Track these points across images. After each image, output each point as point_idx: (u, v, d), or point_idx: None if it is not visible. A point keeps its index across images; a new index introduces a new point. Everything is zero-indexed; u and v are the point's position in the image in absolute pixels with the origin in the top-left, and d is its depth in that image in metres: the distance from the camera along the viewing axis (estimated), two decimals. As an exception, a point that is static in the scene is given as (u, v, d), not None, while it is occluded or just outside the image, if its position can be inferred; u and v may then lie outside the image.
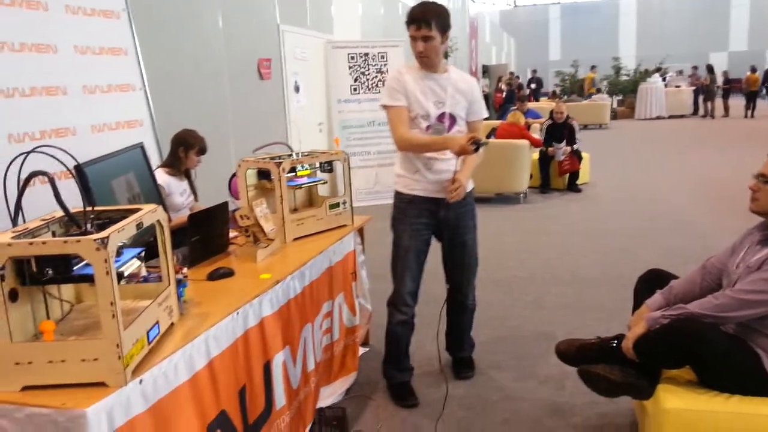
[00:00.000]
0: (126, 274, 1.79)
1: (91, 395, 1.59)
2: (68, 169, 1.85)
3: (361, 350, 3.59)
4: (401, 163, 3.20)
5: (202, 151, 4.02)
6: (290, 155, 3.22)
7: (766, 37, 32.57)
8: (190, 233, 2.70)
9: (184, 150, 3.95)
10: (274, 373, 2.46)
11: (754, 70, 20.51)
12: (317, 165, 3.41)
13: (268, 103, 6.62)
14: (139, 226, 1.84)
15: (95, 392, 1.61)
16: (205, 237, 2.80)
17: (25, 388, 1.63)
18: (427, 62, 3.00)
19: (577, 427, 2.87)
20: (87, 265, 1.77)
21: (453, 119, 3.07)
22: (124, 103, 4.19)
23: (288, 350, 2.59)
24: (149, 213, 1.93)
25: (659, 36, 33.87)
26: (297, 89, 7.26)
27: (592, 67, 22.36)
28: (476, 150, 2.83)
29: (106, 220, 1.96)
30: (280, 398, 2.50)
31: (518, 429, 2.87)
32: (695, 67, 23.42)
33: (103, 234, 1.60)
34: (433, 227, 3.17)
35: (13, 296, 1.68)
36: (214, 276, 2.56)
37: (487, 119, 3.53)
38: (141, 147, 2.64)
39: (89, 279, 1.65)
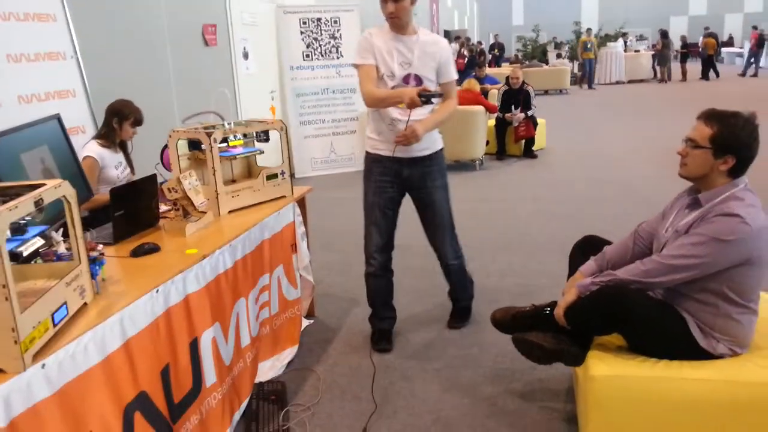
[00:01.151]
0: (26, 253, 1.70)
1: (-16, 383, 1.51)
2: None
3: (306, 322, 3.55)
4: (370, 125, 3.29)
5: (138, 122, 3.86)
6: (222, 125, 3.11)
7: (726, 1, 32.93)
8: (114, 208, 2.59)
9: (119, 121, 3.79)
10: (202, 351, 2.40)
11: (710, 34, 20.75)
12: (254, 134, 3.31)
13: (215, 71, 6.42)
14: (38, 203, 1.74)
15: (-11, 380, 1.53)
16: (131, 211, 2.69)
17: None
18: (398, 23, 3.07)
19: (515, 392, 2.88)
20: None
21: (419, 80, 3.10)
22: (54, 72, 4.00)
23: (218, 326, 2.53)
24: (51, 189, 1.83)
25: (621, 0, 33.96)
26: (246, 56, 7.06)
27: (588, 30, 20.77)
28: (426, 102, 2.92)
29: (7, 197, 1.86)
30: (210, 375, 2.44)
31: (458, 396, 2.88)
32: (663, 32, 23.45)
33: (-10, 213, 1.50)
34: (398, 186, 3.27)
35: None
36: (138, 252, 2.47)
37: None
38: (57, 118, 2.51)
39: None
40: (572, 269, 2.64)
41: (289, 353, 3.20)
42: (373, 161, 3.29)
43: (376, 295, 3.42)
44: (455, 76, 3.25)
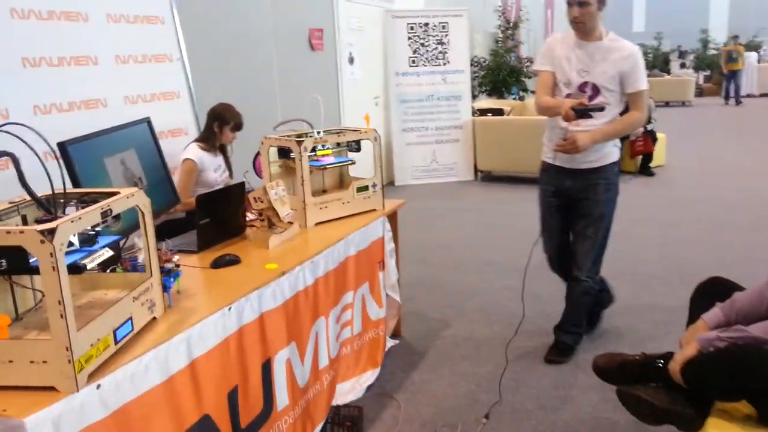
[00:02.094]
0: (89, 266, 1.61)
1: (38, 401, 1.43)
2: (34, 151, 1.67)
3: (390, 343, 3.36)
4: (545, 132, 3.22)
5: (238, 126, 3.85)
6: (313, 133, 2.99)
7: None
8: (199, 215, 2.53)
9: (219, 125, 3.79)
10: (275, 372, 2.27)
11: None
12: (345, 144, 3.18)
13: (320, 76, 6.40)
14: (105, 213, 1.66)
15: (43, 398, 1.45)
16: (217, 219, 2.62)
17: (-28, 389, 1.49)
18: (582, 28, 2.96)
19: (618, 447, 2.55)
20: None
21: (596, 90, 2.98)
22: (160, 74, 4.06)
23: (294, 347, 2.39)
24: (123, 198, 1.75)
25: (755, 5, 31.39)
26: (351, 61, 7.00)
27: (734, 38, 18.09)
28: (581, 116, 2.83)
29: (84, 204, 1.81)
30: (282, 398, 2.31)
31: (551, 444, 2.58)
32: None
33: (50, 225, 1.42)
34: (560, 196, 3.17)
35: (-31, 286, 1.54)
36: (218, 264, 2.38)
37: None
38: (147, 122, 2.47)
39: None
40: (693, 315, 2.27)
41: (370, 376, 3.02)
42: (542, 168, 3.24)
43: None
44: (643, 87, 3.01)
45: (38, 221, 1.74)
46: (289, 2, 5.76)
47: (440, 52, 7.88)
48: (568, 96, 2.99)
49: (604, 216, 3.11)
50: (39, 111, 3.19)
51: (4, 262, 1.52)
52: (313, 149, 2.94)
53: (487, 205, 6.67)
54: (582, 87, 2.99)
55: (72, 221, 1.50)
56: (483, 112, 8.51)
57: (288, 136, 3.01)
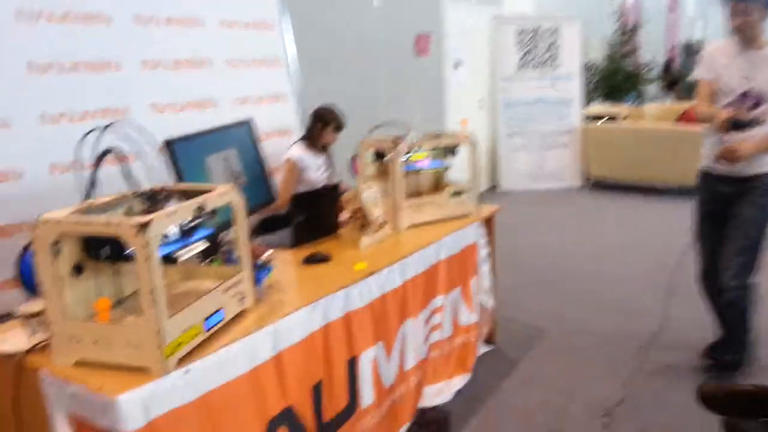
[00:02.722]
0: (182, 258, 1.70)
1: (131, 381, 1.53)
2: (138, 149, 1.79)
3: (484, 349, 3.30)
4: (705, 140, 3.12)
5: (339, 127, 3.92)
6: (409, 137, 2.99)
7: None
8: (294, 214, 2.60)
9: (321, 126, 3.88)
10: (360, 370, 2.29)
11: None
12: (442, 148, 3.15)
13: (425, 80, 6.41)
14: (199, 209, 1.74)
15: (136, 378, 1.55)
16: (312, 218, 2.69)
17: (78, 363, 1.61)
18: (743, 36, 2.89)
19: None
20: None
21: (758, 98, 2.87)
22: (268, 77, 4.23)
23: (381, 346, 2.40)
24: (216, 196, 1.83)
25: None
26: (457, 65, 6.97)
27: None
28: (733, 129, 2.79)
29: (184, 198, 1.91)
30: (367, 396, 2.33)
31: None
32: None
33: (145, 218, 1.51)
34: (717, 203, 3.06)
35: (78, 270, 1.67)
36: (309, 260, 2.44)
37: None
38: (248, 123, 2.57)
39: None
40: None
41: (459, 381, 2.98)
42: (700, 176, 3.15)
43: (719, 321, 3.11)
44: None
45: (141, 213, 1.87)
46: (397, 8, 5.82)
47: (550, 58, 7.66)
48: (728, 105, 2.90)
49: (756, 219, 2.93)
50: (155, 110, 3.42)
51: (107, 250, 1.64)
52: (408, 153, 2.94)
53: (593, 214, 6.41)
54: (744, 95, 2.89)
55: (167, 215, 1.59)
56: (595, 117, 8.19)
57: (385, 139, 3.03)
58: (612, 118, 8.18)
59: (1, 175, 2.61)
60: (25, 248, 1.70)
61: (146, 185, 1.87)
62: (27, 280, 1.69)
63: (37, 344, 1.67)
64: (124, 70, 3.19)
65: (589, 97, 10.04)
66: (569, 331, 3.56)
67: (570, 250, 5.12)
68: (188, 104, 3.57)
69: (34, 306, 1.72)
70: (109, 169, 1.76)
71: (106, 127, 1.78)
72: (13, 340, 1.72)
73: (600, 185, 7.68)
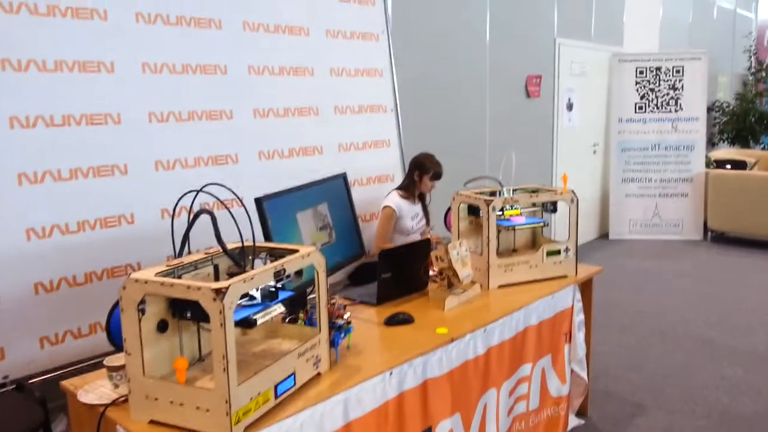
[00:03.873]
0: (260, 322, 1.73)
1: (200, 447, 1.56)
2: (230, 210, 1.85)
3: (574, 422, 3.10)
4: None
5: (437, 176, 3.90)
6: (503, 191, 2.91)
7: None
8: (381, 269, 2.59)
9: (419, 174, 3.88)
10: (435, 442, 2.22)
11: None
12: (541, 204, 3.04)
13: (534, 124, 6.27)
14: (279, 273, 1.76)
15: (204, 443, 1.57)
16: (399, 274, 2.66)
17: (153, 422, 1.66)
18: None
19: None
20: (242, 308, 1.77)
21: None
22: (374, 123, 4.29)
23: (458, 418, 2.31)
24: (298, 258, 1.85)
25: None
26: (570, 107, 6.76)
27: None
28: None
29: (273, 258, 1.95)
30: (441, 470, 2.24)
31: None
32: None
33: (222, 284, 1.54)
34: None
35: (163, 326, 1.74)
36: (391, 321, 2.41)
37: None
38: (343, 176, 2.60)
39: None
40: None
41: (545, 456, 2.82)
42: None
43: None
44: None
45: (229, 274, 1.93)
46: (508, 48, 5.75)
47: (672, 98, 7.26)
48: None
49: None
50: (263, 156, 3.55)
51: (188, 314, 1.70)
52: (504, 208, 2.86)
53: (714, 272, 5.90)
54: None
55: (244, 281, 1.62)
56: (721, 163, 7.63)
57: (480, 192, 2.97)
58: (740, 165, 7.59)
59: (115, 218, 2.79)
60: (116, 304, 1.79)
61: (236, 242, 1.93)
62: (115, 334, 1.78)
63: (118, 398, 1.75)
64: (235, 118, 3.35)
65: (715, 141, 9.41)
66: (670, 411, 3.27)
67: (682, 312, 4.75)
68: (294, 150, 3.68)
69: (119, 359, 1.81)
70: (204, 219, 1.82)
71: (200, 189, 1.85)
72: (98, 391, 1.81)
73: (722, 239, 7.11)
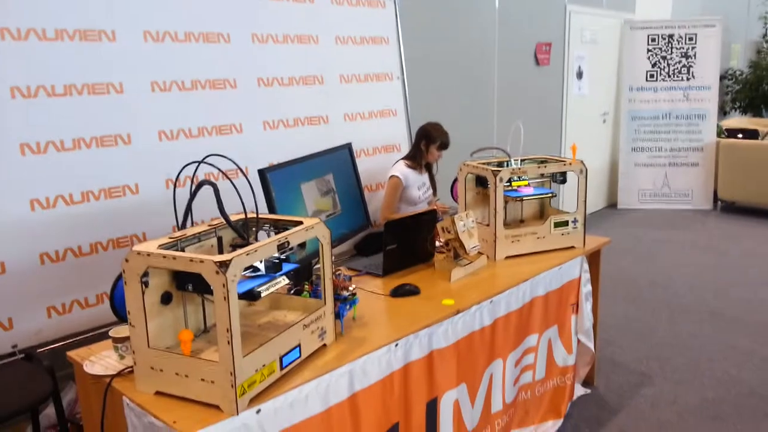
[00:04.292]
0: (264, 294, 1.71)
1: (203, 418, 1.56)
2: (231, 182, 1.82)
3: (580, 391, 3.11)
4: None
5: (444, 145, 3.85)
6: (508, 162, 2.87)
7: None
8: (387, 241, 2.57)
9: (426, 143, 3.83)
10: (441, 412, 2.22)
11: None
12: (550, 175, 3.00)
13: (543, 92, 6.17)
14: (282, 246, 1.74)
15: (210, 415, 1.57)
16: (404, 245, 2.64)
17: (158, 393, 1.67)
18: None
19: None
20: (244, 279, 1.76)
21: None
22: (380, 92, 4.23)
23: (464, 388, 2.32)
24: (302, 231, 1.83)
25: None
26: (579, 75, 6.65)
27: None
28: None
29: (278, 230, 1.93)
30: (447, 439, 2.25)
31: None
32: None
33: (225, 257, 1.52)
34: None
35: (167, 298, 1.73)
36: (397, 292, 2.40)
37: None
38: (348, 147, 2.57)
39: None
40: None
41: (551, 426, 2.83)
42: None
43: None
44: None
45: (233, 246, 1.91)
46: (517, 15, 5.64)
47: (684, 66, 7.12)
48: None
49: None
50: (268, 126, 3.51)
51: (190, 286, 1.69)
52: (510, 180, 2.82)
53: (723, 242, 5.86)
54: None
55: (247, 254, 1.60)
56: (732, 132, 7.52)
57: (488, 163, 2.93)
58: (752, 134, 7.48)
59: (119, 189, 2.77)
60: (119, 276, 1.78)
61: (239, 212, 1.91)
62: (119, 306, 1.77)
63: (123, 369, 1.75)
64: (239, 87, 3.30)
65: (727, 109, 9.27)
66: (677, 381, 3.27)
67: (690, 282, 4.72)
68: (299, 120, 3.64)
69: (124, 331, 1.81)
70: (208, 191, 1.80)
71: (202, 161, 1.82)
72: (104, 362, 1.81)
73: (732, 209, 7.05)
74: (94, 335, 2.58)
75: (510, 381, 2.57)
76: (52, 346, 2.55)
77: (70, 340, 2.57)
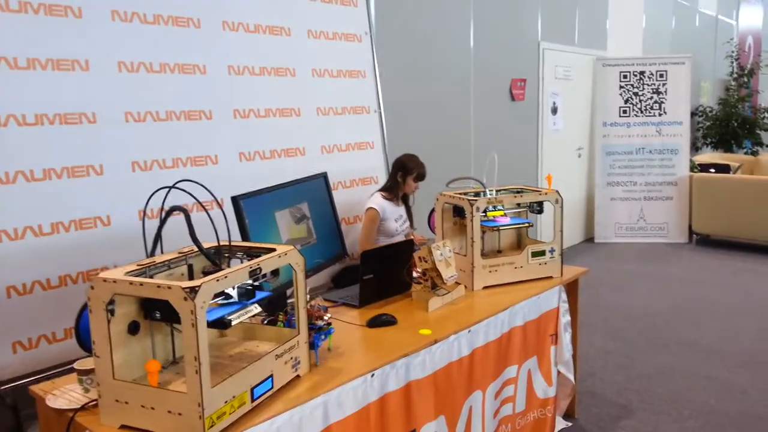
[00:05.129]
0: (234, 322, 1.67)
1: (170, 451, 1.49)
2: (203, 206, 1.79)
3: (561, 424, 3.06)
4: None
5: (421, 176, 3.86)
6: (484, 192, 2.87)
7: None
8: (364, 271, 2.54)
9: (402, 175, 3.83)
10: (419, 445, 2.16)
11: None
12: (527, 205, 3.01)
13: (519, 127, 6.25)
14: (255, 272, 1.71)
15: (177, 449, 1.51)
16: (381, 276, 2.61)
17: (123, 427, 1.60)
18: None
19: None
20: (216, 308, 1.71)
21: None
22: (357, 125, 4.24)
23: (443, 420, 2.26)
24: (274, 258, 1.80)
25: None
26: (554, 111, 6.76)
27: None
28: None
29: (250, 257, 1.89)
30: (425, 475, 2.19)
31: None
32: None
33: (194, 283, 1.48)
34: None
35: (135, 328, 1.68)
36: (374, 323, 2.36)
37: None
38: (323, 176, 2.55)
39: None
40: None
41: (531, 459, 2.77)
42: None
43: None
44: None
45: (204, 272, 1.87)
46: (493, 52, 5.74)
47: (656, 102, 7.28)
48: None
49: None
50: (244, 157, 3.49)
51: (158, 314, 1.64)
52: (488, 208, 2.82)
53: (698, 274, 5.91)
54: None
55: (217, 280, 1.56)
56: (704, 167, 7.67)
57: (464, 193, 2.93)
58: (724, 169, 7.64)
59: (91, 220, 2.72)
60: (85, 305, 1.72)
61: (212, 242, 1.87)
62: (84, 337, 1.71)
63: (88, 403, 1.68)
64: (215, 118, 3.28)
65: (699, 145, 9.47)
66: (657, 412, 3.23)
67: (667, 314, 4.74)
68: (276, 152, 3.62)
69: (89, 363, 1.74)
70: (179, 220, 1.76)
71: (173, 186, 1.79)
72: (67, 396, 1.74)
73: (707, 242, 7.14)
74: (63, 371, 2.49)
75: (490, 413, 2.52)
76: (16, 383, 2.45)
77: (37, 377, 2.47)
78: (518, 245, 3.18)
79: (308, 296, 1.96)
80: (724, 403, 3.31)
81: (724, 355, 3.90)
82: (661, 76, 7.25)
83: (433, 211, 3.13)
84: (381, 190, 3.91)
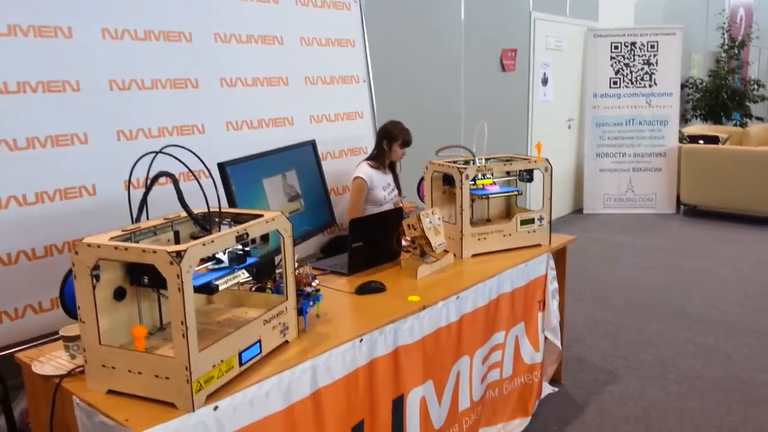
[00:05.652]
0: (222, 287, 1.66)
1: (157, 416, 1.49)
2: (191, 171, 1.77)
3: (548, 389, 3.10)
4: None
5: (406, 143, 3.83)
6: (474, 160, 2.86)
7: None
8: (352, 239, 2.53)
9: (388, 142, 3.81)
10: (408, 410, 2.18)
11: None
12: (516, 173, 3.00)
13: (509, 98, 6.22)
14: (240, 237, 1.70)
15: (164, 412, 1.51)
16: (370, 244, 2.61)
17: (110, 392, 1.60)
18: None
19: None
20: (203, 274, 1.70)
21: None
22: (346, 94, 4.20)
23: (431, 385, 2.28)
24: (261, 223, 1.78)
25: None
26: (545, 82, 6.72)
27: None
28: None
29: (237, 223, 1.88)
30: (413, 438, 2.21)
31: None
32: None
33: (180, 247, 1.47)
34: None
35: (121, 294, 1.67)
36: (362, 290, 2.36)
37: None
38: (312, 144, 2.53)
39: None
40: None
41: (518, 424, 2.81)
42: None
43: None
44: None
45: (193, 237, 1.86)
46: (483, 22, 5.68)
47: (646, 73, 7.26)
48: None
49: None
50: (231, 127, 3.45)
51: (145, 279, 1.62)
52: (477, 177, 2.81)
53: (686, 244, 5.96)
54: None
55: (204, 244, 1.55)
56: (693, 138, 7.68)
57: (454, 161, 2.92)
58: (712, 140, 7.66)
59: (75, 189, 2.69)
60: (69, 271, 1.71)
61: (201, 208, 1.86)
62: (69, 303, 1.70)
63: (74, 369, 1.68)
64: (201, 87, 3.24)
65: (688, 117, 9.48)
66: (643, 377, 3.28)
67: (654, 283, 4.78)
68: (263, 121, 3.59)
69: (75, 329, 1.73)
70: (165, 189, 1.74)
71: (159, 151, 1.77)
72: (54, 363, 1.73)
73: (695, 212, 7.19)
74: (49, 340, 2.48)
75: (477, 378, 2.54)
76: (3, 353, 2.44)
77: (24, 347, 2.46)
78: (507, 214, 3.18)
79: (297, 264, 1.96)
80: (709, 368, 3.36)
81: (711, 323, 3.95)
82: (652, 47, 7.22)
83: (422, 180, 3.12)
84: (367, 158, 3.89)
